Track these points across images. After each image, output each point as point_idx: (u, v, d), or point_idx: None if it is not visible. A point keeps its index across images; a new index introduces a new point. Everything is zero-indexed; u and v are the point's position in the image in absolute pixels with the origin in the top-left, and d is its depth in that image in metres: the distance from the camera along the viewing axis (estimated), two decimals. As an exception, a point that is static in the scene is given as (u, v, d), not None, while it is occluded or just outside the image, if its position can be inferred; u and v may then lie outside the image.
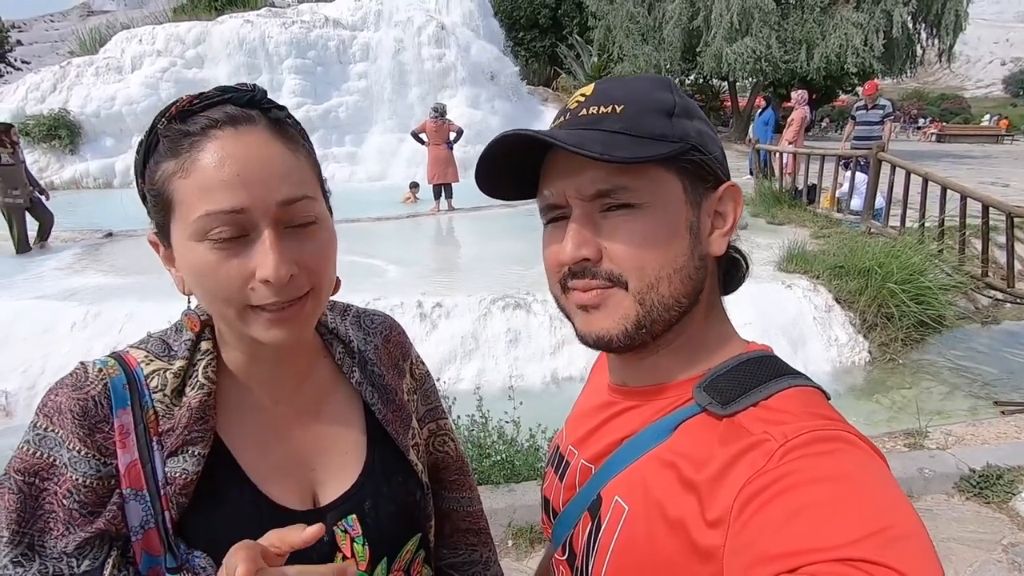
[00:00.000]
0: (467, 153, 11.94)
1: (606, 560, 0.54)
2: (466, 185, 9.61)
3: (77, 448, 0.54)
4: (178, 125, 0.55)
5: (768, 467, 0.45)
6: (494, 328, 4.45)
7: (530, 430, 2.79)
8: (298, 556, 0.61)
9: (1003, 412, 3.72)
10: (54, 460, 0.54)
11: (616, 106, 0.54)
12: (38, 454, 0.54)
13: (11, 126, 6.87)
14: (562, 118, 0.57)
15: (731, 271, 0.61)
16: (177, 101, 0.56)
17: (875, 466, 0.45)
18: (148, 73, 12.98)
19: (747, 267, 0.62)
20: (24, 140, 12.71)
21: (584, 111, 0.55)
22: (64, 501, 0.53)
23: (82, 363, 0.59)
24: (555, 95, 17.01)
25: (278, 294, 0.54)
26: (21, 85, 13.47)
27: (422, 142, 8.65)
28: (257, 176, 0.53)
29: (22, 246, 6.75)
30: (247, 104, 0.56)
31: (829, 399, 0.53)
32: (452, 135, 8.67)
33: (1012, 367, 4.49)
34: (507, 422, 2.79)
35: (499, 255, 6.29)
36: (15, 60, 26.17)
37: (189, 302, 0.63)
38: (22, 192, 6.61)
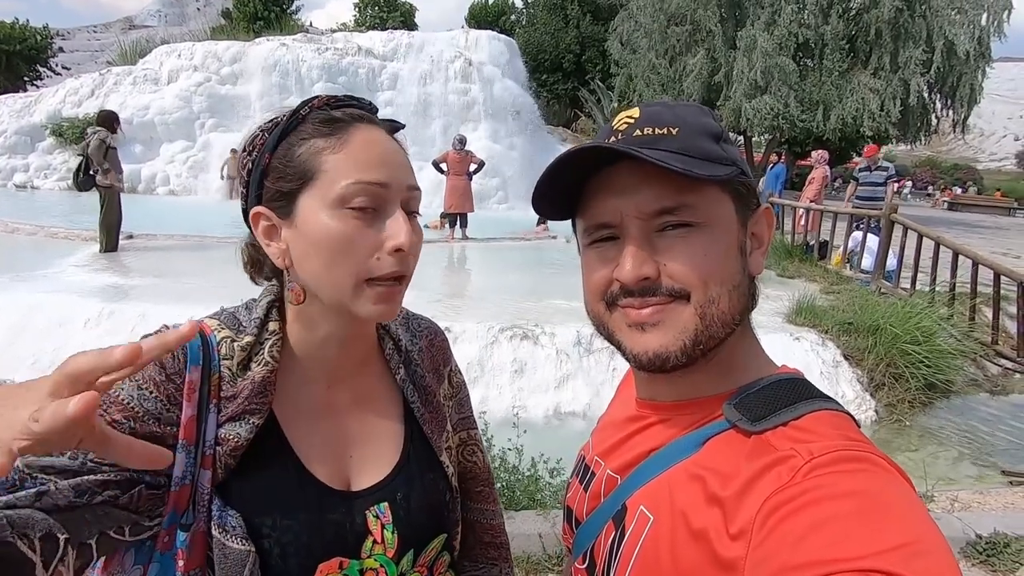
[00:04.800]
0: (484, 186, 12.16)
1: (628, 568, 0.54)
2: (481, 216, 9.77)
3: (150, 389, 0.59)
4: (326, 111, 0.64)
5: (793, 482, 0.45)
6: (500, 357, 4.46)
7: (532, 459, 2.78)
8: (334, 533, 0.64)
9: (1011, 482, 3.66)
10: (113, 392, 0.58)
11: (671, 128, 0.55)
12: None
13: (115, 113, 7.03)
14: (611, 138, 0.56)
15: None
16: (319, 96, 0.66)
17: (901, 486, 0.45)
18: (183, 86, 13.45)
19: (756, 288, 0.64)
20: (57, 141, 13.16)
21: (638, 131, 0.55)
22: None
23: (165, 325, 0.64)
24: (574, 136, 17.39)
25: (401, 264, 0.62)
26: (61, 88, 13.98)
27: (442, 171, 8.83)
28: (394, 161, 0.64)
29: (111, 241, 6.66)
30: (368, 111, 0.67)
31: (859, 426, 0.53)
32: (473, 167, 8.85)
33: (1021, 438, 4.43)
34: (510, 450, 2.79)
35: (509, 286, 6.34)
36: (56, 65, 27.11)
37: (275, 280, 0.68)
38: (120, 178, 6.68)
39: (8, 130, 13.22)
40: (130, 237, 7.36)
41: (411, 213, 0.65)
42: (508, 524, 2.49)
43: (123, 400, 0.58)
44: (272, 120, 0.65)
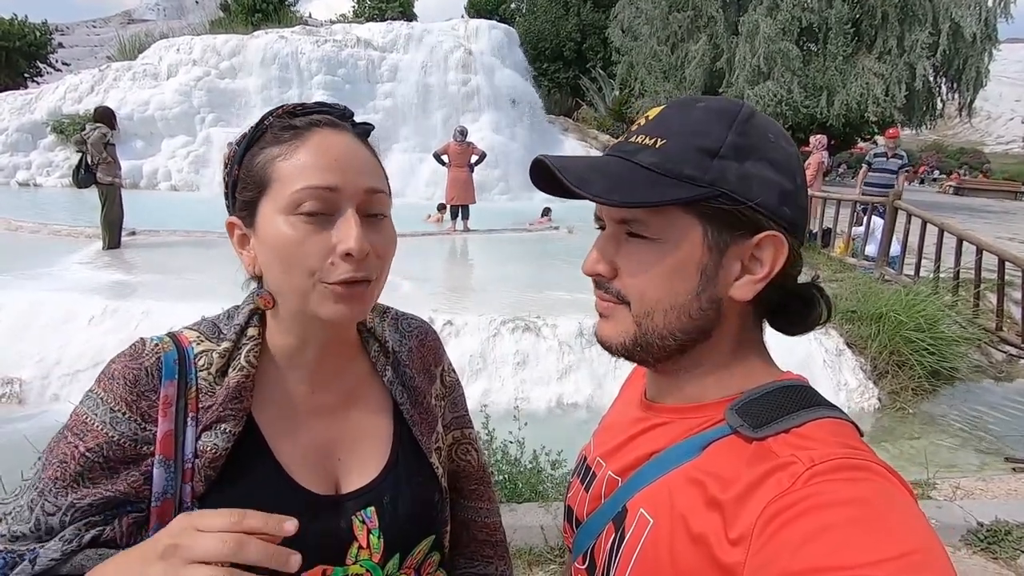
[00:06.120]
0: (486, 177, 12.10)
1: (627, 571, 0.55)
2: (483, 207, 9.74)
3: (122, 410, 0.59)
4: (285, 120, 0.64)
5: (793, 488, 0.45)
6: (502, 349, 4.47)
7: (534, 451, 2.80)
8: (318, 541, 0.64)
9: (1014, 469, 3.66)
10: (87, 418, 0.59)
11: (659, 139, 0.55)
12: (79, 411, 0.60)
13: (112, 110, 7.05)
14: (621, 138, 0.60)
15: (799, 311, 0.59)
16: (284, 105, 0.66)
17: (901, 496, 0.45)
18: (183, 81, 13.38)
19: (828, 311, 0.60)
20: (58, 138, 13.15)
21: (635, 137, 0.57)
22: (87, 454, 0.57)
23: (141, 338, 0.64)
24: (575, 125, 17.26)
25: (355, 269, 0.60)
26: (61, 85, 13.93)
27: (443, 163, 8.80)
28: (349, 165, 0.62)
29: (113, 238, 6.67)
30: (339, 117, 0.66)
31: (862, 435, 0.53)
32: (474, 158, 8.82)
33: (1025, 424, 4.42)
34: (511, 442, 2.80)
35: (511, 277, 6.33)
36: (55, 61, 27.04)
37: (260, 285, 0.68)
38: (119, 174, 6.71)
39: (9, 128, 13.19)
40: (132, 234, 7.37)
41: (373, 216, 0.64)
42: (510, 516, 2.51)
43: (96, 426, 0.58)
44: (244, 133, 0.66)
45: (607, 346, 0.60)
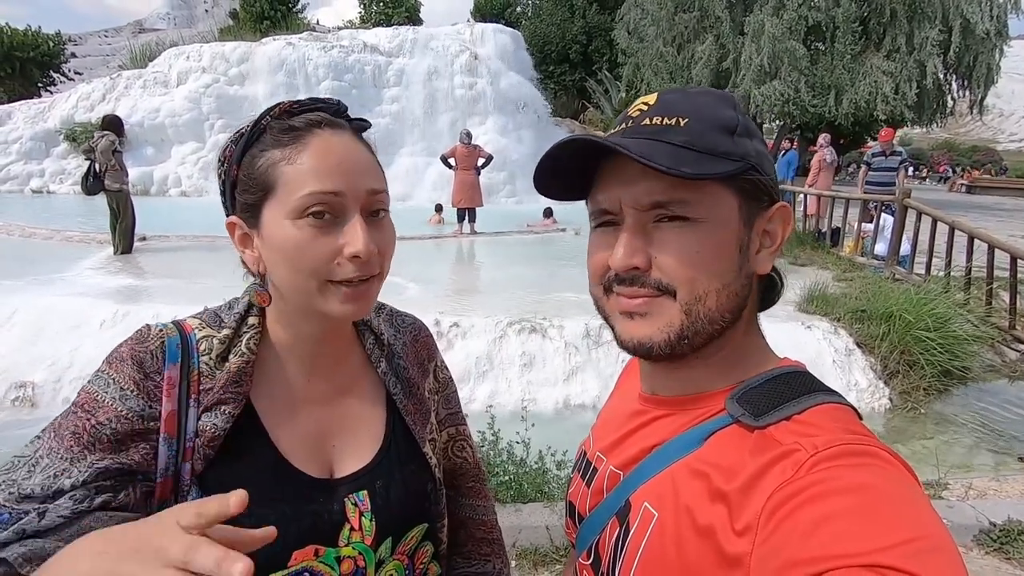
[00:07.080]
0: (492, 179, 12.15)
1: (634, 565, 0.54)
2: (489, 210, 9.77)
3: (130, 388, 0.62)
4: (283, 121, 0.65)
5: (797, 476, 0.45)
6: (509, 351, 4.47)
7: (540, 452, 2.79)
8: (311, 522, 0.65)
9: (1028, 469, 3.60)
10: (97, 396, 0.61)
11: (680, 119, 0.54)
12: (89, 390, 0.62)
13: (120, 118, 7.17)
14: (623, 125, 0.57)
15: (768, 288, 0.61)
16: (280, 104, 0.66)
17: (907, 481, 0.45)
18: (192, 88, 13.55)
19: (782, 285, 0.62)
20: (71, 146, 13.36)
21: (647, 120, 0.55)
22: (98, 427, 0.59)
23: (147, 324, 0.67)
24: (582, 127, 17.28)
25: (360, 269, 0.63)
26: (73, 94, 14.17)
27: (450, 166, 8.83)
28: (352, 168, 0.64)
29: (125, 242, 6.77)
30: (335, 114, 0.67)
31: (861, 419, 0.53)
32: (481, 161, 8.84)
33: (1040, 424, 4.35)
34: (517, 443, 2.80)
35: (518, 279, 6.33)
36: (68, 71, 27.46)
37: (262, 281, 0.70)
38: (127, 181, 6.82)
39: (24, 136, 13.42)
40: (143, 239, 7.45)
41: (377, 213, 0.66)
42: (515, 517, 2.51)
43: (107, 402, 0.61)
44: (239, 131, 0.67)
45: (647, 347, 0.55)
